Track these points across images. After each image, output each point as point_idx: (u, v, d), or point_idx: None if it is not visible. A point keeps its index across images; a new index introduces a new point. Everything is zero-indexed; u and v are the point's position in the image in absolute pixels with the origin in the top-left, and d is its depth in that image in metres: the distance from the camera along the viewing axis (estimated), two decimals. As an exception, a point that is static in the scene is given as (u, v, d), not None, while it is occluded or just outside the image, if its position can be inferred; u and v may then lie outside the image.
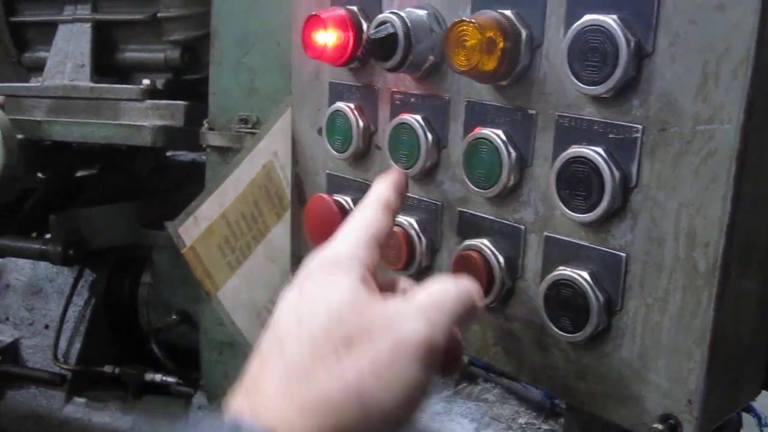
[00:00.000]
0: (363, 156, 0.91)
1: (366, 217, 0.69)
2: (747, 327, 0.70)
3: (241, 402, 0.56)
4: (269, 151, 1.09)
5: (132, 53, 1.68)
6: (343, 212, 0.91)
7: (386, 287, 0.68)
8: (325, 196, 0.92)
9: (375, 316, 0.59)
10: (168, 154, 1.96)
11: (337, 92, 0.93)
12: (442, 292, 0.62)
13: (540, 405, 0.95)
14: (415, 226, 0.84)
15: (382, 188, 0.72)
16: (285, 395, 0.54)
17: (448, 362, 0.65)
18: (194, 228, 1.12)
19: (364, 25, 0.85)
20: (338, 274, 0.62)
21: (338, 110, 0.91)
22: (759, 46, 0.57)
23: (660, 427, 0.66)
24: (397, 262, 0.84)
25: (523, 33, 0.71)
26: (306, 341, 0.57)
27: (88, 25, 1.65)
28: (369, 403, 0.54)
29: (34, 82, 1.68)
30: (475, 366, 1.05)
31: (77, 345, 1.80)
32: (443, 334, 0.59)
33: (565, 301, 0.70)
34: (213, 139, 1.43)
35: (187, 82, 1.64)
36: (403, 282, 0.72)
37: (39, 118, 1.62)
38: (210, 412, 0.56)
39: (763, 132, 0.61)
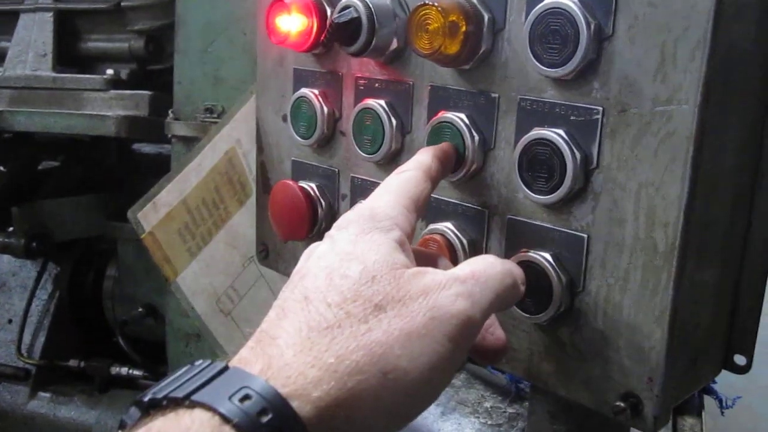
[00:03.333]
0: (328, 142, 0.91)
1: (405, 179, 0.65)
2: (706, 308, 0.71)
3: (249, 353, 0.52)
4: (232, 139, 1.09)
5: (95, 43, 1.66)
6: (309, 198, 0.91)
7: (423, 263, 0.61)
8: (291, 182, 0.92)
9: (411, 282, 0.54)
10: (134, 147, 1.95)
11: (301, 79, 0.93)
12: (487, 268, 0.58)
13: (505, 389, 0.96)
14: (380, 211, 0.84)
15: (425, 155, 0.68)
16: (303, 349, 0.50)
17: (488, 351, 0.62)
18: (153, 214, 1.11)
19: (328, 11, 0.85)
20: (375, 232, 0.58)
21: (303, 96, 0.91)
22: (715, 27, 0.58)
23: (621, 405, 0.67)
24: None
25: (486, 17, 0.71)
26: (334, 298, 0.53)
27: (50, 14, 1.63)
28: (393, 372, 0.50)
29: (-5, 73, 1.66)
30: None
31: (41, 339, 1.78)
32: (482, 312, 0.56)
33: (527, 283, 0.70)
34: (178, 128, 1.43)
35: (152, 72, 1.63)
36: (443, 263, 0.67)
37: (0, 109, 1.60)
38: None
39: (721, 113, 0.62)
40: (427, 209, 0.67)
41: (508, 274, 0.59)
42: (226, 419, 0.45)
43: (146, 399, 0.48)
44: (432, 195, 0.79)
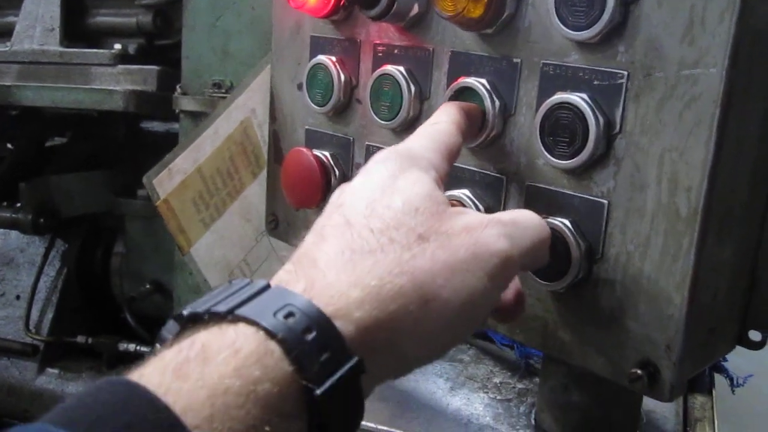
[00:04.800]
0: (343, 110, 0.90)
1: (438, 129, 0.64)
2: (724, 279, 0.70)
3: (289, 275, 0.51)
4: (247, 108, 1.08)
5: (103, 17, 1.65)
6: (322, 166, 0.90)
7: None
8: (304, 149, 0.92)
9: (453, 218, 0.54)
10: (142, 125, 1.94)
11: (318, 46, 0.92)
12: (527, 218, 0.59)
13: (515, 365, 0.96)
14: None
15: (454, 108, 0.68)
16: (345, 270, 0.50)
17: (508, 308, 0.63)
18: (168, 181, 1.10)
19: (348, -25, 0.84)
20: (414, 169, 0.57)
21: (319, 63, 0.90)
22: (745, -12, 0.58)
23: (639, 372, 0.67)
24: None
25: (510, -20, 0.71)
26: (377, 224, 0.52)
27: (58, -12, 1.62)
28: (434, 301, 0.50)
29: (3, 47, 1.65)
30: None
31: (49, 315, 1.77)
32: (521, 255, 0.56)
33: (546, 250, 0.70)
34: (186, 104, 1.42)
35: (160, 47, 1.62)
36: None
37: (8, 83, 1.59)
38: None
39: (747, 79, 0.62)
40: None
41: (544, 228, 0.60)
42: (271, 334, 0.45)
43: (186, 313, 0.47)
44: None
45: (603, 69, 0.66)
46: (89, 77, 1.56)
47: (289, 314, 0.46)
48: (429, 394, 0.87)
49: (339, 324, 0.47)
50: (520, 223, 0.58)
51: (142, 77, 1.53)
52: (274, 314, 0.45)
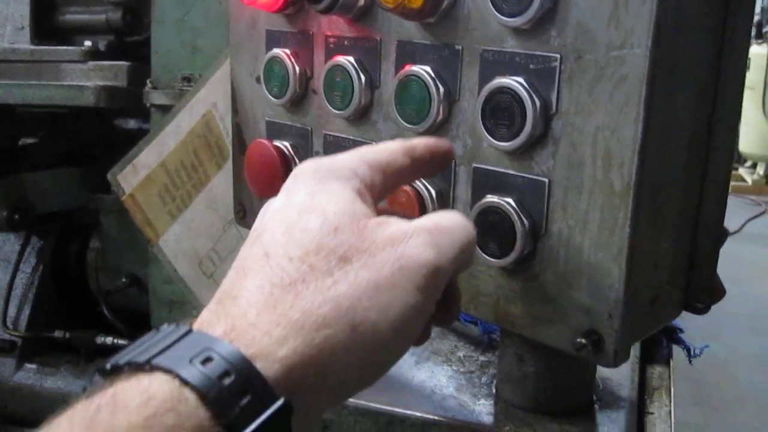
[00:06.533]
0: (300, 101, 0.93)
1: (378, 146, 0.62)
2: (666, 248, 0.74)
3: (211, 315, 0.49)
4: (208, 102, 1.11)
5: (73, 15, 1.67)
6: (283, 157, 0.93)
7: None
8: (265, 141, 0.94)
9: (376, 232, 0.52)
10: (116, 122, 1.96)
11: (273, 39, 0.95)
12: (450, 221, 0.56)
13: (478, 339, 0.99)
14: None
15: (416, 140, 0.64)
16: (267, 307, 0.48)
17: (443, 313, 0.59)
18: (133, 176, 1.13)
19: (297, -29, 0.87)
20: (332, 182, 0.55)
21: (275, 56, 0.93)
22: (664, -29, 0.61)
23: (584, 341, 0.70)
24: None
25: (448, -30, 0.73)
26: (295, 252, 0.50)
27: (27, -14, 1.63)
28: (362, 324, 0.48)
29: (-28, 47, 1.66)
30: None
31: (26, 311, 1.79)
32: (449, 261, 0.54)
33: (492, 228, 0.73)
34: (156, 98, 1.44)
35: (130, 43, 1.64)
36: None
37: (-21, 83, 1.60)
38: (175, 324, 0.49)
39: (673, 56, 0.65)
40: (399, 183, 0.65)
41: (469, 230, 0.57)
42: (185, 382, 0.43)
43: (108, 366, 0.47)
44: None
45: (537, 53, 0.69)
46: (60, 74, 1.58)
47: (207, 359, 0.44)
48: (395, 368, 0.90)
49: (261, 365, 0.45)
50: (445, 228, 0.55)
51: (113, 73, 1.55)
52: (191, 360, 0.44)
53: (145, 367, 0.45)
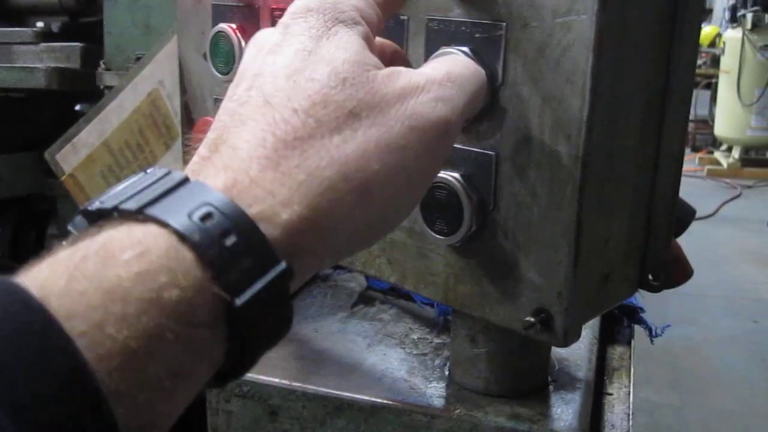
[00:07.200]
0: (247, 77, 0.90)
1: None
2: (618, 223, 0.72)
3: (206, 163, 0.45)
4: (154, 80, 1.07)
5: (25, -4, 1.63)
6: (230, 135, 0.90)
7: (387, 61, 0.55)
8: (211, 119, 0.91)
9: (386, 85, 0.49)
10: (77, 108, 1.91)
11: (219, 14, 0.91)
12: (461, 68, 0.54)
13: (433, 322, 0.97)
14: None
15: None
16: (270, 163, 0.44)
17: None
18: (73, 155, 1.09)
19: (240, -59, 0.84)
20: (339, 26, 0.50)
21: (220, 31, 0.89)
22: (608, -67, 0.58)
23: (532, 320, 0.68)
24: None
25: (391, -63, 0.70)
26: (301, 102, 0.46)
27: (-23, -33, 1.59)
28: (367, 189, 0.46)
29: None
30: (374, 289, 1.06)
31: (-16, 301, 1.75)
32: (460, 117, 0.51)
33: (438, 204, 0.71)
34: (110, 79, 1.41)
35: (84, 24, 1.60)
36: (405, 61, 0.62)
37: (-71, 66, 1.56)
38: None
39: (621, 22, 0.63)
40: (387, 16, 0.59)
41: (480, 74, 0.56)
42: (182, 237, 0.40)
43: (93, 208, 0.42)
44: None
45: (483, 21, 0.66)
46: (12, 56, 1.54)
47: (207, 215, 0.41)
48: (346, 351, 0.88)
49: (263, 227, 0.42)
50: (456, 77, 0.52)
51: (66, 54, 1.51)
52: (189, 215, 0.40)
53: (138, 216, 0.41)
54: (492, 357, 0.79)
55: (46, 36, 1.52)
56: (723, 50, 8.53)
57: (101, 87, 1.43)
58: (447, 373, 0.84)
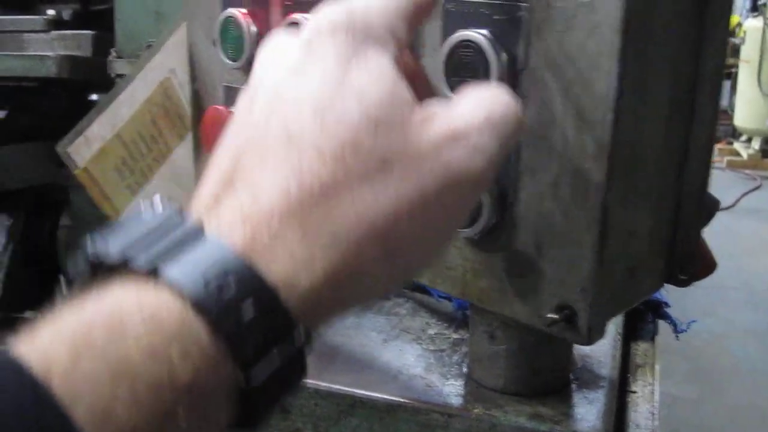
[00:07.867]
0: (258, 63, 0.87)
1: None
2: (644, 215, 0.69)
3: (222, 209, 0.41)
4: (165, 68, 1.04)
5: (35, -17, 1.61)
6: (240, 123, 0.87)
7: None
8: (221, 107, 0.89)
9: (421, 131, 0.43)
10: (92, 98, 1.90)
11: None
12: (499, 108, 0.46)
13: (451, 316, 0.94)
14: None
15: None
16: (293, 215, 0.40)
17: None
18: (86, 148, 1.06)
19: None
20: (369, 47, 0.45)
21: (230, 17, 0.86)
22: None
23: (555, 316, 0.65)
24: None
25: None
26: (329, 147, 0.41)
27: (-13, -46, 1.57)
28: (395, 251, 0.42)
29: (-68, 18, 1.60)
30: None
31: (-3, 292, 1.74)
32: (496, 166, 0.46)
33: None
34: (121, 67, 1.38)
35: (95, 12, 1.58)
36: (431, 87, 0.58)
37: (-61, 55, 1.54)
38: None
39: (648, 3, 0.59)
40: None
41: (516, 112, 0.48)
42: (199, 309, 0.37)
43: (98, 255, 0.39)
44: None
45: (503, 3, 0.63)
46: (22, 44, 1.52)
47: (225, 284, 0.37)
48: (360, 347, 0.85)
49: (284, 295, 0.39)
50: (495, 121, 0.46)
51: (77, 42, 1.49)
52: (206, 284, 0.37)
53: (150, 276, 0.37)
54: (511, 354, 0.76)
55: (57, 24, 1.49)
56: (743, 40, 8.41)
57: (113, 75, 1.41)
58: (465, 370, 0.81)
